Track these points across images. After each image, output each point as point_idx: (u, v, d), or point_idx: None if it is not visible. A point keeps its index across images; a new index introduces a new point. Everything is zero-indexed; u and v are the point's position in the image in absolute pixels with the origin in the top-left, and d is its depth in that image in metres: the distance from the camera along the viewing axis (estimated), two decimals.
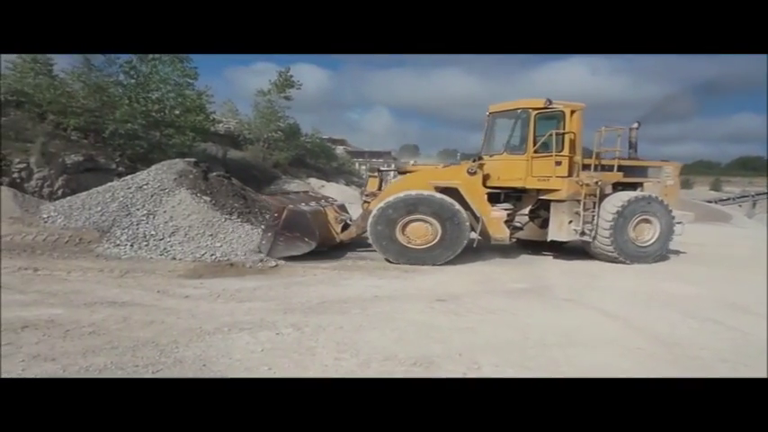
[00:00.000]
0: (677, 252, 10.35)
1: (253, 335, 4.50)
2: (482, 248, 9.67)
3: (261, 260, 7.88)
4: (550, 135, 8.83)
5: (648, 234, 9.19)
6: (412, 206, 8.46)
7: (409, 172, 9.48)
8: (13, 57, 15.81)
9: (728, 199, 46.43)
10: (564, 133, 8.89)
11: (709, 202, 40.74)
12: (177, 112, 18.44)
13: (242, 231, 8.73)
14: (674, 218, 9.29)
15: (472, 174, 8.88)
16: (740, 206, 41.36)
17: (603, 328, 5.13)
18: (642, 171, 9.94)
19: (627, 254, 8.97)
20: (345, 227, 9.51)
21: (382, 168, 10.06)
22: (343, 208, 10.94)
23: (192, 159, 11.24)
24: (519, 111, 9.26)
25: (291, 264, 7.84)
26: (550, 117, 9.06)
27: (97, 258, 7.62)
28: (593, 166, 9.16)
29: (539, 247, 9.87)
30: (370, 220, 8.56)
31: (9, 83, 15.48)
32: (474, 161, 9.36)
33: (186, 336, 4.40)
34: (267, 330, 4.64)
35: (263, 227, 8.78)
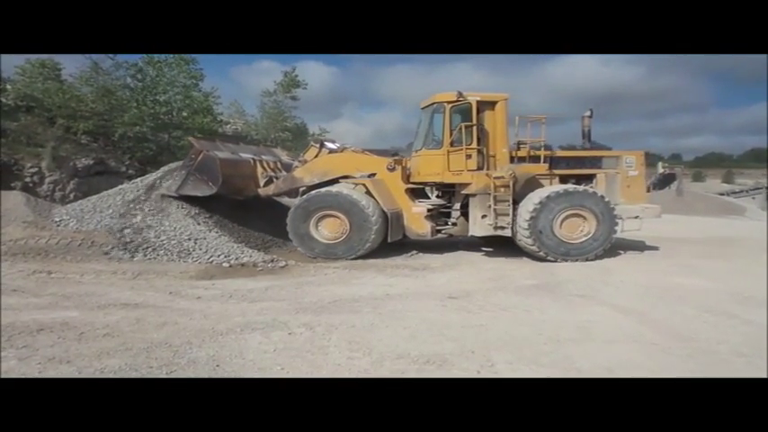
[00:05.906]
0: (690, 246, 10.23)
1: (265, 335, 4.51)
2: (492, 246, 9.63)
3: (272, 260, 7.89)
4: (460, 128, 8.73)
5: (582, 230, 8.50)
6: (322, 202, 8.65)
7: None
8: (21, 62, 15.98)
9: (741, 191, 45.78)
10: (472, 126, 8.76)
11: (722, 194, 40.24)
12: (185, 114, 18.51)
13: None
14: (614, 211, 8.54)
15: (391, 170, 8.99)
16: (754, 198, 40.78)
17: (618, 324, 5.07)
18: (595, 162, 9.40)
19: (552, 250, 8.40)
20: (269, 182, 9.73)
21: (327, 144, 10.22)
22: (288, 167, 10.63)
23: None
24: (435, 105, 9.17)
25: (302, 263, 7.86)
26: (467, 110, 8.88)
27: (109, 261, 7.68)
28: (527, 159, 9.04)
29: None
30: (289, 214, 8.75)
31: (19, 88, 15.63)
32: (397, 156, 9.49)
33: (199, 336, 4.41)
34: (279, 330, 4.64)
35: (180, 165, 9.18)
